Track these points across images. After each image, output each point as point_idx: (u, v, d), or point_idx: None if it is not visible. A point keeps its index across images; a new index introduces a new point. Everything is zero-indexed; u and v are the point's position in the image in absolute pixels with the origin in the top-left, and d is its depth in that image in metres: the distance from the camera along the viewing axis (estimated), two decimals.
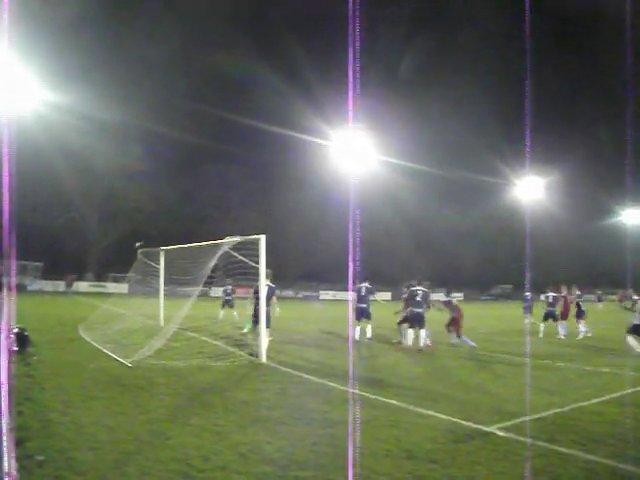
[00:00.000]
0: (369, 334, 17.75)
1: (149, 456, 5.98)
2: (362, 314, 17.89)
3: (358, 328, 18.02)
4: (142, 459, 5.88)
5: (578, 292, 22.36)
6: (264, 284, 13.50)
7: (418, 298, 16.32)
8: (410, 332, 16.31)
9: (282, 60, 65.18)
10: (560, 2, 65.23)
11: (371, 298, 18.24)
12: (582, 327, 21.08)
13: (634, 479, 5.87)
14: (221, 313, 24.18)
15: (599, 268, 77.22)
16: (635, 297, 16.41)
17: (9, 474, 3.21)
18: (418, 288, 16.55)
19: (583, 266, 75.96)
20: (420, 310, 16.20)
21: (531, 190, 54.06)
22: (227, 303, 24.37)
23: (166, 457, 5.98)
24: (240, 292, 24.54)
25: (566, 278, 37.24)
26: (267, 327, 14.32)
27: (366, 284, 18.09)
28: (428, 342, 16.53)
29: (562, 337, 20.54)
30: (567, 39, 74.11)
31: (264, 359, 13.00)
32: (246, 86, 64.03)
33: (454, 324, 16.93)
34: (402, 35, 71.01)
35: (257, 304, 14.24)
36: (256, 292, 14.37)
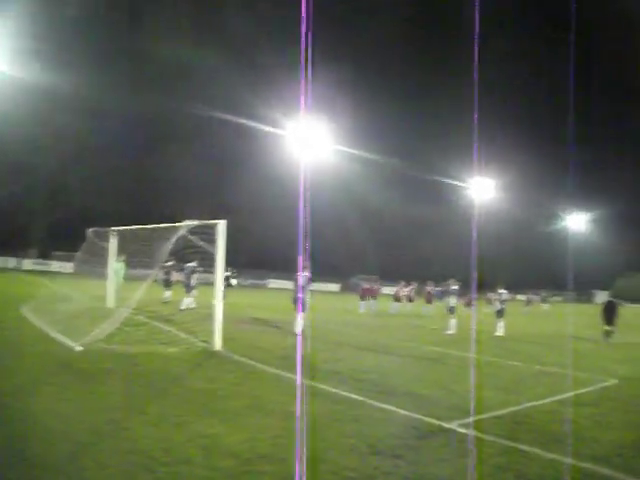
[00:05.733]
0: (300, 326, 16.72)
1: (107, 447, 5.73)
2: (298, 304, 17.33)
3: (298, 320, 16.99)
4: (99, 450, 5.63)
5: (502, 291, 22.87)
6: (222, 270, 13.28)
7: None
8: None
9: (240, 50, 64.00)
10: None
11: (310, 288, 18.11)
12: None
13: (594, 477, 5.92)
14: (167, 294, 24.01)
15: (545, 270, 78.89)
16: None
17: None
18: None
19: (530, 268, 77.56)
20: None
21: (482, 190, 54.90)
22: (166, 283, 24.26)
23: (125, 449, 5.74)
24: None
25: (511, 279, 38.02)
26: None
27: (305, 273, 17.26)
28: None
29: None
30: (517, 42, 75.10)
31: (218, 346, 12.76)
32: (202, 73, 62.71)
33: None
34: (359, 23, 70.74)
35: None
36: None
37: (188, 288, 21.95)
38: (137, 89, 55.22)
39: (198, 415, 7.18)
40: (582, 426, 7.90)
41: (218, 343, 12.87)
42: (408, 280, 35.65)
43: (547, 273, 71.08)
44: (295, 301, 17.66)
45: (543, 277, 72.67)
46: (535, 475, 5.80)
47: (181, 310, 20.23)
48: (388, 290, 43.59)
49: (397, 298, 33.03)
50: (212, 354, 12.19)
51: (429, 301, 31.20)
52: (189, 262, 21.11)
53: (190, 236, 13.92)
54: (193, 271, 21.60)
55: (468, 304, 34.20)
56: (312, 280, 18.11)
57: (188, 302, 21.26)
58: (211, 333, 13.10)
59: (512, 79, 74.88)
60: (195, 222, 13.75)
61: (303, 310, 17.22)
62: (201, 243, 13.71)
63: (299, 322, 16.81)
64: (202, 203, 56.64)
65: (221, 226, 13.03)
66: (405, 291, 33.62)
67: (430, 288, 31.84)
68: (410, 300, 33.36)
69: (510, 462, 6.14)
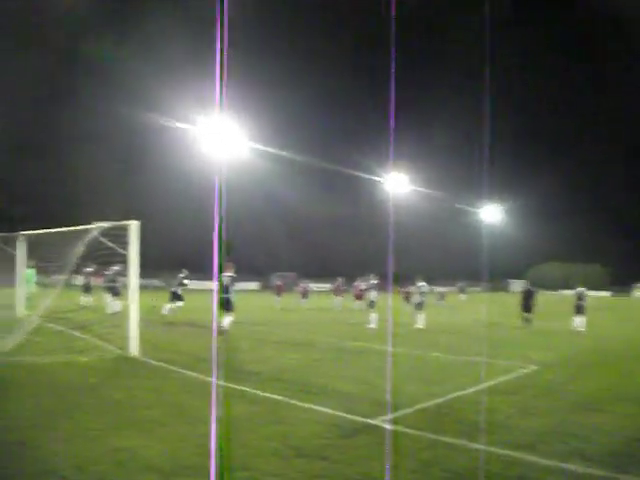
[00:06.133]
0: (226, 324, 16.91)
1: (14, 471, 5.33)
2: (224, 304, 17.22)
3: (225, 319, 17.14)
4: (6, 475, 5.23)
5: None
6: (136, 272, 12.80)
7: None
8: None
9: (149, 45, 62.30)
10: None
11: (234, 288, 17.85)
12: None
13: (520, 464, 5.95)
14: (83, 300, 23.61)
15: (462, 262, 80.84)
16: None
17: None
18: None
19: (447, 260, 79.40)
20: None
21: (397, 185, 55.70)
22: (85, 288, 23.86)
23: (35, 470, 5.35)
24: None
25: (430, 272, 38.73)
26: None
27: (229, 274, 17.35)
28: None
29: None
30: (432, 40, 76.88)
31: (135, 352, 12.29)
32: (110, 69, 60.68)
33: None
34: (275, 19, 70.39)
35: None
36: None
37: (114, 291, 21.35)
38: (44, 87, 53.15)
39: (114, 427, 6.83)
40: (506, 414, 8.05)
41: (135, 349, 12.40)
42: (353, 276, 36.19)
43: (464, 264, 73.07)
44: (220, 302, 17.41)
45: (460, 269, 74.53)
46: (461, 467, 5.78)
47: (113, 314, 19.90)
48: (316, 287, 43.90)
49: (337, 294, 33.46)
50: (128, 361, 11.75)
51: (359, 297, 31.58)
52: (112, 266, 20.54)
53: (102, 238, 13.34)
54: (117, 275, 21.00)
55: (406, 297, 34.55)
56: (235, 280, 17.77)
57: (115, 306, 20.73)
58: (127, 339, 12.61)
59: (427, 76, 76.58)
60: (106, 224, 13.20)
61: (228, 310, 16.95)
62: (110, 244, 13.15)
63: (225, 322, 16.59)
64: (113, 204, 54.80)
65: (134, 227, 12.57)
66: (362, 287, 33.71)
67: (364, 284, 32.04)
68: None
69: (436, 456, 6.12)
